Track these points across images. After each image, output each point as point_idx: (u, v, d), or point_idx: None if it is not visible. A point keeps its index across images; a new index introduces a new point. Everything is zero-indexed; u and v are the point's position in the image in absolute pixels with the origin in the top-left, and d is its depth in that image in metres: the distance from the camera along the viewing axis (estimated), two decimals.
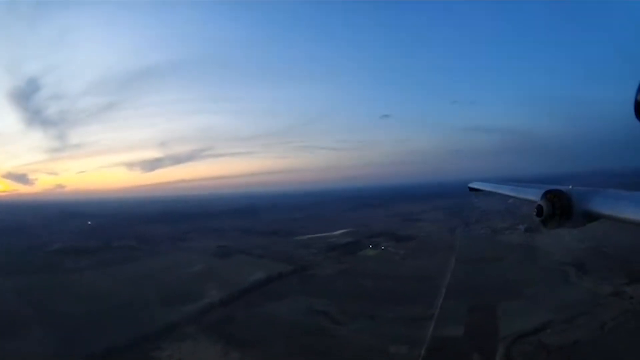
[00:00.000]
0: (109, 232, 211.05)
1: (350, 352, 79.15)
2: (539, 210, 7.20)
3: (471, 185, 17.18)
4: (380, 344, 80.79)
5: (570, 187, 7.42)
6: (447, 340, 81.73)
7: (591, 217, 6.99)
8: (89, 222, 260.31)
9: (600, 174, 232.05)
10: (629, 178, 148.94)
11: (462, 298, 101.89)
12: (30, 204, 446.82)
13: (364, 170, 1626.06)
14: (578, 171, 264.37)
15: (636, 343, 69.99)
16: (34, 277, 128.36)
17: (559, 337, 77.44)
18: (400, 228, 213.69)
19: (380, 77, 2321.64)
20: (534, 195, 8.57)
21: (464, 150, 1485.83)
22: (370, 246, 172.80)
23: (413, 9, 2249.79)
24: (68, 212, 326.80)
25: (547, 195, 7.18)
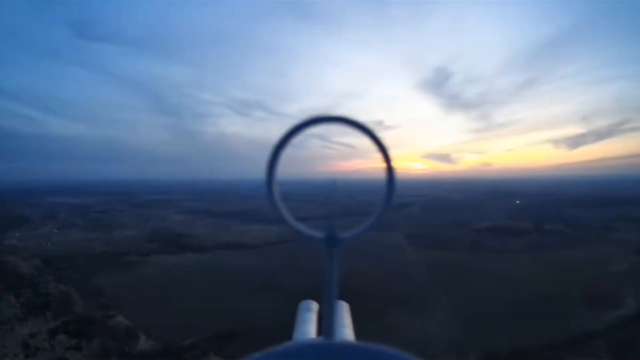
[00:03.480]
0: (538, 213, 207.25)
1: None
2: None
3: None
4: None
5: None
6: None
7: None
8: (517, 202, 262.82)
9: None
10: None
11: None
12: (452, 181, 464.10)
13: None
14: None
15: None
16: (455, 254, 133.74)
17: None
18: None
19: None
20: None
21: None
22: None
23: None
24: (495, 190, 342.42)
25: None
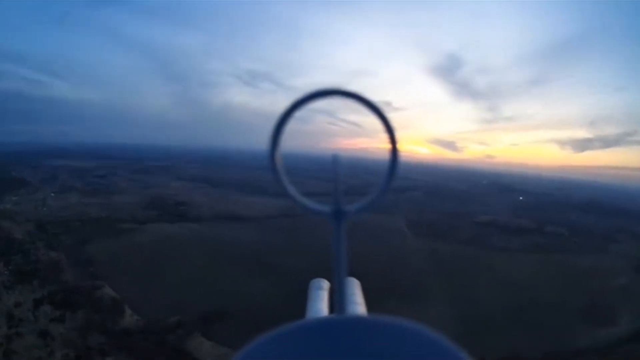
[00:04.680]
0: (540, 213, 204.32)
1: None
2: None
3: None
4: None
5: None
6: None
7: None
8: (521, 198, 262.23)
9: None
10: None
11: None
12: (455, 169, 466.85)
13: None
14: None
15: None
16: (455, 246, 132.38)
17: None
18: None
19: None
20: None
21: None
22: None
23: None
24: (497, 183, 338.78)
25: None
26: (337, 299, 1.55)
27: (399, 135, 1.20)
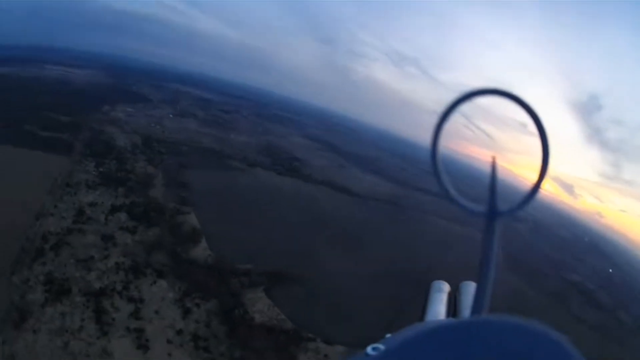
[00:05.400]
0: (620, 293, 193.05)
1: None
2: None
3: None
4: None
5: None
6: None
7: None
8: (610, 270, 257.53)
9: None
10: None
11: None
12: (565, 214, 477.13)
13: None
14: None
15: None
16: (536, 293, 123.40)
17: None
18: None
19: None
20: None
21: None
22: None
23: None
24: (596, 245, 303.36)
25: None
26: (477, 299, 1.56)
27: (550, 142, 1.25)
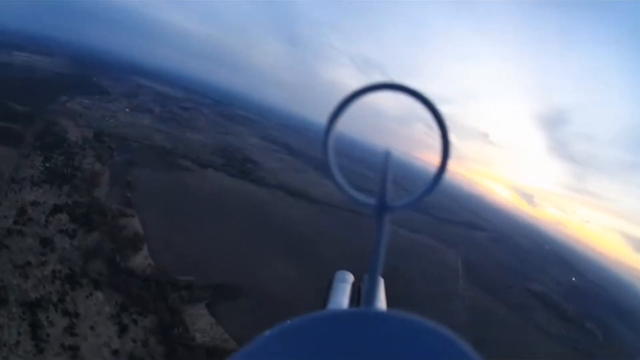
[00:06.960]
0: (586, 303, 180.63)
1: None
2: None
3: None
4: None
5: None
6: None
7: None
8: (573, 279, 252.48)
9: None
10: None
11: None
12: (525, 223, 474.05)
13: None
14: None
15: None
16: (500, 306, 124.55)
17: None
18: None
19: None
20: None
21: None
22: None
23: None
24: (558, 254, 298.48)
25: None
26: (365, 294, 1.54)
27: (451, 131, 1.20)
